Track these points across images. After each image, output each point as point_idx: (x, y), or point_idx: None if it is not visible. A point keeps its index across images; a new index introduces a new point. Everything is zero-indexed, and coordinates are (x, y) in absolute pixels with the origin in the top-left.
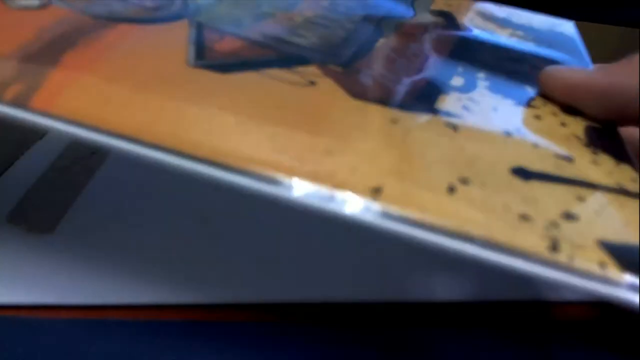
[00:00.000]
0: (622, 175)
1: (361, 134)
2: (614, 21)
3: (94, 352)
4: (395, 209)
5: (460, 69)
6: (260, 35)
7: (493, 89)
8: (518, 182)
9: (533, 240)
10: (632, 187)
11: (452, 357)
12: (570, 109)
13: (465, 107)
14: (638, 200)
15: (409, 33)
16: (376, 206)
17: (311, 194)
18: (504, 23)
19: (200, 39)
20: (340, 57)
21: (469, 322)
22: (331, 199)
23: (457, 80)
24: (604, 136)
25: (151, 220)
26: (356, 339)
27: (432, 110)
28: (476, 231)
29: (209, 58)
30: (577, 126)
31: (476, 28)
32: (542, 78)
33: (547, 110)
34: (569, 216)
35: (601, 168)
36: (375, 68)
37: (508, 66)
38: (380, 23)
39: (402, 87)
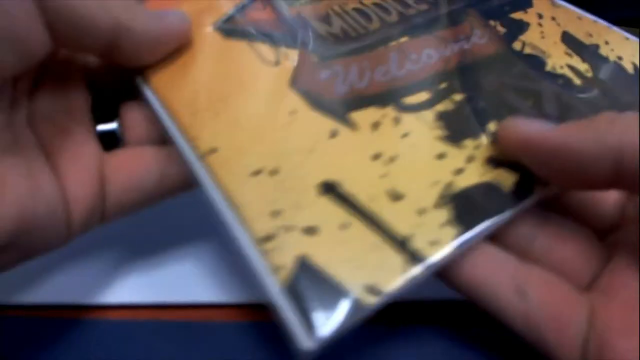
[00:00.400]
0: (427, 234)
1: (249, 102)
2: (613, 21)
3: (95, 352)
4: (210, 165)
5: (440, 85)
6: (296, 14)
7: (443, 116)
8: (313, 192)
9: (261, 227)
10: (415, 246)
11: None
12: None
13: (375, 125)
14: (397, 254)
15: (440, 37)
16: (203, 162)
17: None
18: (576, 48)
19: (248, 4)
20: (331, 50)
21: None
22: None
23: (421, 96)
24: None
25: (151, 219)
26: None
27: (342, 117)
28: (233, 201)
29: (233, 22)
30: (470, 180)
31: (535, 49)
32: (499, 131)
33: (479, 155)
34: (309, 230)
35: (417, 219)
36: (349, 69)
37: (507, 98)
38: (420, 22)
39: (344, 90)
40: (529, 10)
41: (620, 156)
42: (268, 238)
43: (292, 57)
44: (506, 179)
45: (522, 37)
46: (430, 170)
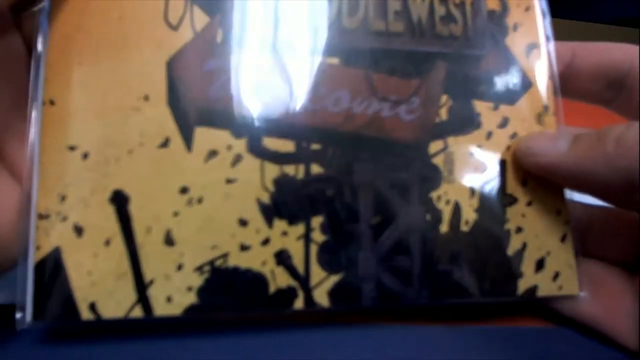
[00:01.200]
0: (168, 289)
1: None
2: (612, 21)
3: (95, 352)
4: (43, 117)
5: (312, 145)
6: None
7: (282, 182)
8: (106, 196)
9: (45, 204)
10: (151, 294)
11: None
12: None
13: (212, 154)
14: None
15: (372, 80)
16: (41, 110)
17: None
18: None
19: None
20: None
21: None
22: None
23: (284, 145)
24: None
25: None
26: None
27: (186, 129)
28: (40, 165)
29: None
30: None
31: (448, 163)
32: (516, 153)
33: (275, 242)
34: (78, 229)
35: (171, 272)
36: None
37: (360, 201)
38: (372, 48)
39: (216, 96)
40: (506, 108)
41: (631, 179)
42: (44, 216)
43: (198, 24)
44: (282, 278)
45: (452, 140)
46: (221, 232)
